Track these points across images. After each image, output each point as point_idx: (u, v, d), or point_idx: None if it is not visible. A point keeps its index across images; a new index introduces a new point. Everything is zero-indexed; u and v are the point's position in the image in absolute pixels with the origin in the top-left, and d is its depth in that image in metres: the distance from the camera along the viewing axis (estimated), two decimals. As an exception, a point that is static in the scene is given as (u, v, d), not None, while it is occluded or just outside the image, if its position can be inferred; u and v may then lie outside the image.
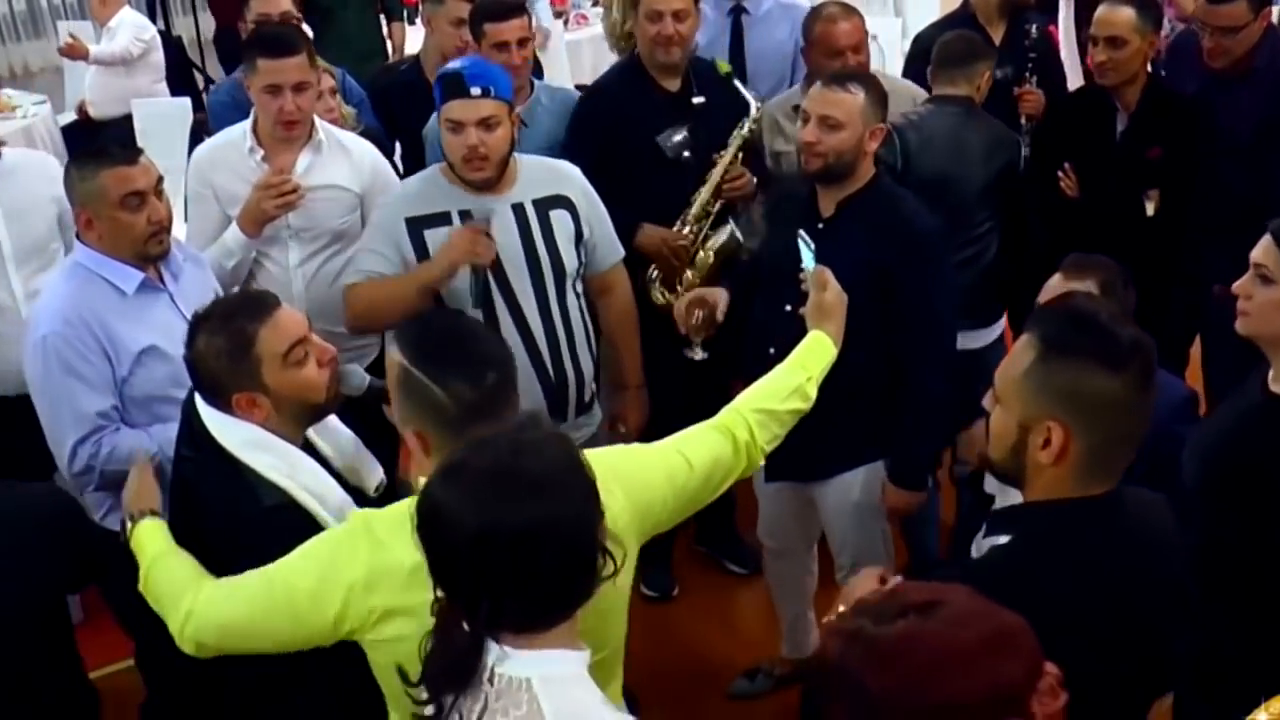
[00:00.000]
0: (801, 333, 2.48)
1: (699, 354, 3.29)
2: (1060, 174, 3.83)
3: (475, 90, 2.89)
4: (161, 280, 2.87)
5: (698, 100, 3.63)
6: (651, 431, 3.08)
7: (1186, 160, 3.76)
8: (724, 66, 3.67)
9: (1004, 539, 1.85)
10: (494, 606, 1.56)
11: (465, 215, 2.99)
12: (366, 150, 3.56)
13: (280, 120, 3.34)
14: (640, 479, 2.06)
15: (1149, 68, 3.82)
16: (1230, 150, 3.81)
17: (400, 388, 1.96)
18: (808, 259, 2.65)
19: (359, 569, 1.89)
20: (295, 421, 2.32)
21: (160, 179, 2.83)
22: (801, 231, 2.81)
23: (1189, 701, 2.30)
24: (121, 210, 2.75)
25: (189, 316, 2.80)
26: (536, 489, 1.55)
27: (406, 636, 1.86)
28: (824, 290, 2.46)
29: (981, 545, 1.91)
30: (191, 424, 2.35)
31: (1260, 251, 2.32)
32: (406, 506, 1.91)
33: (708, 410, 2.31)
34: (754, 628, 3.91)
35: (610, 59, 5.48)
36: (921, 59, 4.40)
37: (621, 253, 3.32)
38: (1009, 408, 1.79)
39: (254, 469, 2.23)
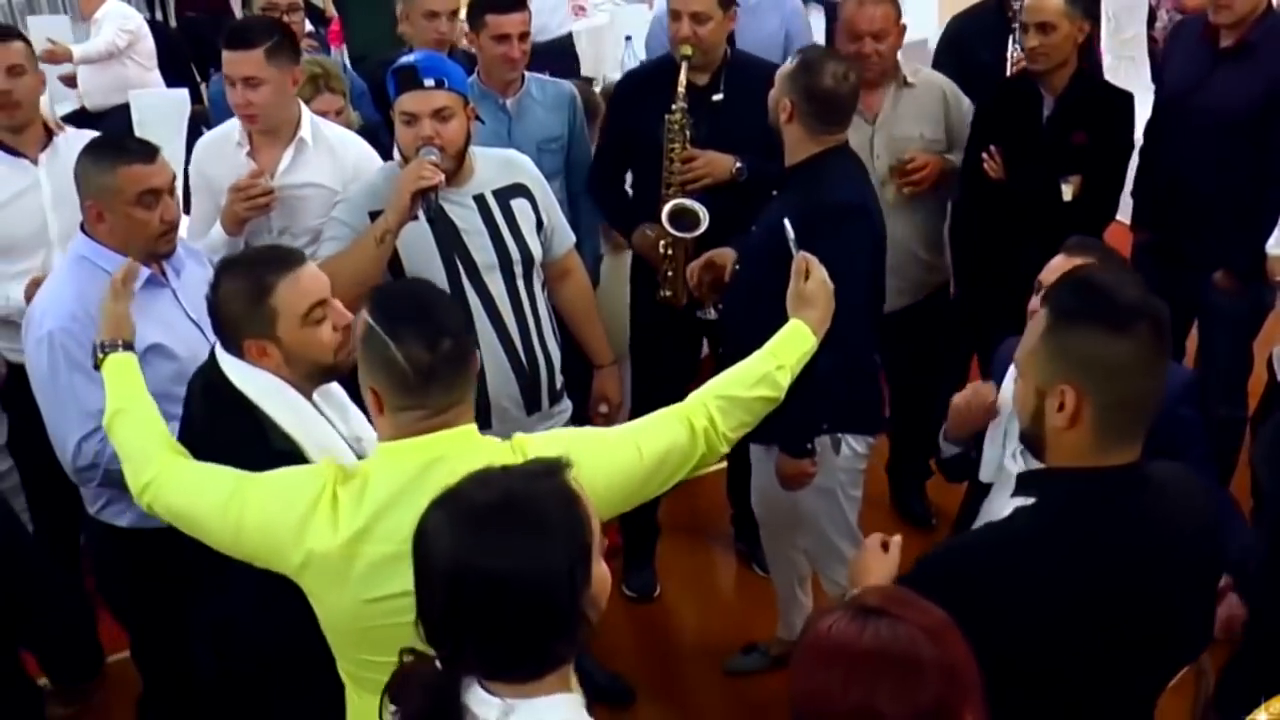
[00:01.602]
0: (735, 290, 2.53)
1: (711, 314, 3.43)
2: (985, 156, 3.88)
3: (429, 82, 2.89)
4: (165, 276, 2.87)
5: (716, 97, 3.62)
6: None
7: (1110, 147, 3.83)
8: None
9: (1029, 500, 1.92)
10: (456, 646, 1.54)
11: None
12: (352, 148, 3.52)
13: (238, 114, 3.36)
14: (587, 465, 2.04)
15: (1078, 55, 3.87)
16: (1228, 128, 3.85)
17: (361, 343, 2.02)
18: (793, 246, 2.66)
19: (300, 523, 1.98)
20: (305, 379, 2.37)
21: (174, 177, 2.83)
22: (786, 220, 2.82)
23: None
24: (136, 208, 2.74)
25: (191, 313, 2.82)
26: (522, 538, 1.51)
27: (328, 604, 1.99)
28: (803, 279, 2.46)
29: (1009, 505, 1.97)
30: (208, 375, 2.41)
31: None
32: (362, 473, 2.01)
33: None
34: (751, 615, 3.95)
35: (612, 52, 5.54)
36: (952, 46, 4.48)
37: (574, 237, 3.33)
38: (1026, 376, 1.89)
39: (269, 415, 2.29)
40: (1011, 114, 3.92)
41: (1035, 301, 2.55)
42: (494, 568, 1.49)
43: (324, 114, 3.78)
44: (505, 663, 1.54)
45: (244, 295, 2.32)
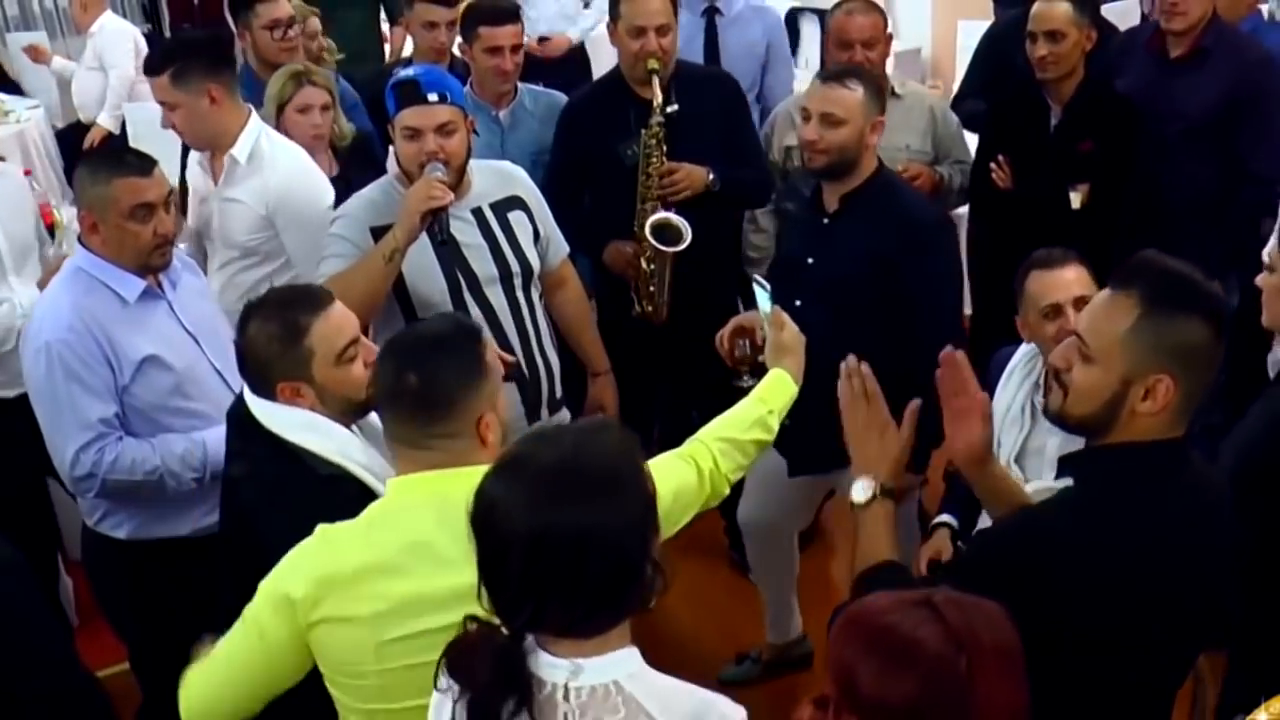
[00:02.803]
0: (806, 326, 2.56)
1: (748, 382, 3.33)
2: (993, 166, 3.90)
3: (432, 96, 2.88)
4: (161, 288, 2.87)
5: (671, 109, 3.64)
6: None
7: (1118, 154, 3.84)
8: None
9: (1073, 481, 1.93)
10: (538, 608, 1.55)
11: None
12: (281, 171, 3.39)
13: None
14: None
15: (1085, 63, 3.90)
16: (1190, 133, 3.90)
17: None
18: (763, 301, 2.69)
19: (307, 578, 1.89)
20: (338, 416, 2.33)
21: (171, 191, 2.83)
22: (756, 275, 2.84)
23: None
24: (129, 221, 2.74)
25: (187, 325, 2.83)
26: (595, 493, 1.54)
27: (349, 644, 1.88)
28: (781, 330, 2.52)
29: (1049, 489, 2.00)
30: (240, 422, 2.35)
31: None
32: (368, 513, 1.95)
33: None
34: (746, 625, 3.94)
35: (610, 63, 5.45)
36: (988, 54, 4.52)
37: (568, 247, 3.34)
38: (1109, 365, 1.84)
39: (306, 448, 2.24)
40: (1019, 123, 3.95)
41: (1058, 326, 2.60)
42: (575, 524, 1.52)
43: (308, 108, 3.81)
44: (584, 618, 1.56)
45: (278, 337, 2.26)
